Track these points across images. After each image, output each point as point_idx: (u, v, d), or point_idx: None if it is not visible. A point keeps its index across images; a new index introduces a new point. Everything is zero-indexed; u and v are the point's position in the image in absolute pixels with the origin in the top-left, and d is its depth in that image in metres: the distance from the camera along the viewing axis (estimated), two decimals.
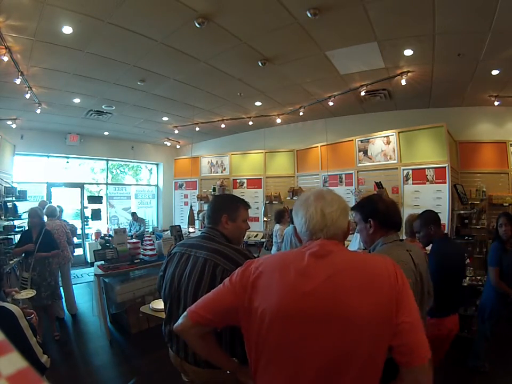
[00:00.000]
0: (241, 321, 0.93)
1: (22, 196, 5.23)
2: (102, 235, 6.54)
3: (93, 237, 7.36)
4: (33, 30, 2.88)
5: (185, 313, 0.99)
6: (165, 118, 6.11)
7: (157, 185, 9.07)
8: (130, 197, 8.62)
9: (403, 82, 3.93)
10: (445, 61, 3.52)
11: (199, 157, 7.31)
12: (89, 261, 6.89)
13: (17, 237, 4.18)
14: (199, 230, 5.62)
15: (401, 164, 4.51)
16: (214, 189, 6.59)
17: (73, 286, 4.41)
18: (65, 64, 3.65)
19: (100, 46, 3.27)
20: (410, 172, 4.43)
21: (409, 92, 4.40)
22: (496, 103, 4.44)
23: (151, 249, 3.95)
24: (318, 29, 2.96)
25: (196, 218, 6.34)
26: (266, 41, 3.21)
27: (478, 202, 4.29)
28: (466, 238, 4.08)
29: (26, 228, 3.87)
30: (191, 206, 6.51)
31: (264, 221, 6.18)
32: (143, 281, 3.71)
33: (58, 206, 4.54)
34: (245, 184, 6.64)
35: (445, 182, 4.06)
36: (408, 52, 3.35)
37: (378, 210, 1.45)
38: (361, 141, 5.01)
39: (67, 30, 2.90)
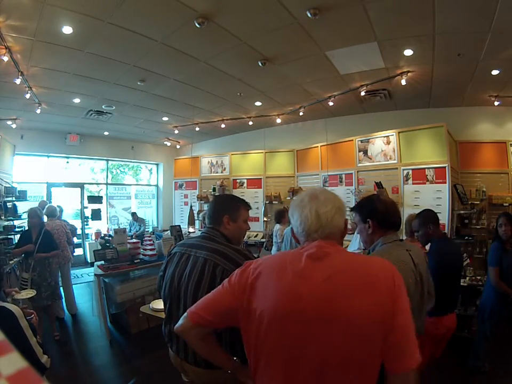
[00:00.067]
0: (240, 322, 0.93)
1: (22, 196, 5.23)
2: (102, 235, 6.54)
3: (93, 237, 7.36)
4: (33, 30, 2.88)
5: (185, 314, 0.99)
6: (165, 118, 6.11)
7: (157, 185, 9.07)
8: (130, 197, 8.62)
9: (403, 82, 3.93)
10: (445, 61, 3.52)
11: (199, 157, 7.31)
12: (89, 261, 6.89)
13: (17, 237, 4.18)
14: (199, 230, 5.62)
15: (401, 164, 4.51)
16: (214, 189, 6.59)
17: (73, 286, 4.41)
18: (65, 64, 3.65)
19: (100, 46, 3.27)
20: (410, 171, 4.43)
21: (409, 91, 4.40)
22: (496, 103, 4.44)
23: (151, 249, 3.95)
24: (318, 29, 2.96)
25: (195, 218, 6.35)
26: (266, 41, 3.21)
27: (478, 202, 4.29)
28: (466, 238, 4.08)
29: (26, 228, 3.87)
30: (191, 206, 6.51)
31: (264, 221, 6.18)
32: (143, 281, 3.71)
33: (58, 206, 4.53)
34: (245, 184, 6.64)
35: (445, 182, 4.06)
36: (408, 52, 3.35)
37: (376, 211, 1.45)
38: (361, 141, 5.01)
39: (67, 30, 2.90)
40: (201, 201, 6.89)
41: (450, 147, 4.20)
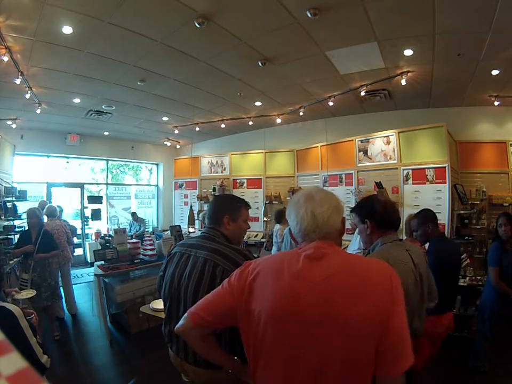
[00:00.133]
0: (239, 323, 0.94)
1: (22, 196, 5.23)
2: (102, 235, 6.54)
3: (93, 237, 7.36)
4: (33, 30, 2.88)
5: (185, 314, 1.00)
6: (165, 118, 6.11)
7: (157, 185, 9.07)
8: (130, 197, 8.62)
9: (403, 82, 3.93)
10: (445, 61, 3.52)
11: (199, 157, 7.31)
12: (89, 261, 6.89)
13: (17, 237, 4.18)
14: (199, 230, 5.62)
15: (401, 164, 4.51)
16: (214, 189, 6.59)
17: (73, 286, 4.41)
18: (65, 64, 3.65)
19: (100, 46, 3.27)
20: (410, 171, 4.43)
21: (409, 91, 4.40)
22: (496, 103, 4.44)
23: (151, 249, 3.95)
24: (318, 29, 2.96)
25: (195, 218, 6.34)
26: (266, 41, 3.21)
27: (478, 202, 4.29)
28: (466, 238, 4.08)
29: (26, 229, 3.86)
30: (191, 206, 6.51)
31: (264, 221, 6.18)
32: (143, 281, 3.71)
33: (58, 206, 4.53)
34: (245, 184, 6.64)
35: (445, 182, 4.06)
36: (408, 52, 3.35)
37: (375, 211, 1.46)
38: (361, 141, 5.01)
39: (67, 30, 2.90)
40: (201, 201, 6.89)
41: (450, 147, 4.20)
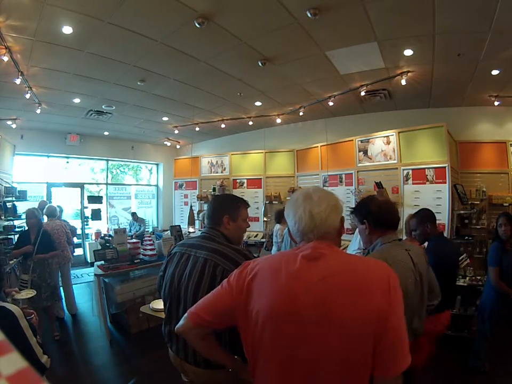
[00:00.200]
0: (238, 322, 0.94)
1: (22, 196, 5.23)
2: (102, 235, 6.54)
3: (93, 237, 7.36)
4: (33, 30, 2.88)
5: (186, 314, 1.00)
6: (165, 118, 6.11)
7: (157, 185, 9.07)
8: (130, 197, 8.62)
9: (403, 82, 3.93)
10: (445, 61, 3.52)
11: (199, 157, 7.31)
12: (89, 261, 6.89)
13: (16, 237, 4.17)
14: (199, 230, 5.62)
15: (401, 164, 4.51)
16: (214, 189, 6.59)
17: (73, 286, 4.41)
18: (65, 64, 3.65)
19: (100, 46, 3.27)
20: (410, 171, 4.43)
21: (409, 91, 4.40)
22: (496, 103, 4.44)
23: (151, 249, 3.95)
24: (318, 29, 2.96)
25: (195, 218, 6.35)
26: (266, 41, 3.21)
27: (478, 202, 4.29)
28: (466, 238, 4.08)
29: (24, 229, 3.85)
30: (191, 206, 6.51)
31: (264, 221, 6.18)
32: (143, 281, 3.71)
33: (58, 206, 4.53)
34: (245, 184, 6.64)
35: (445, 182, 4.06)
36: (408, 52, 3.35)
37: (370, 212, 1.48)
38: (361, 141, 5.01)
39: (67, 30, 2.90)
40: (201, 201, 6.89)
41: (450, 147, 4.20)
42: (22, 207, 5.02)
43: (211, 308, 0.98)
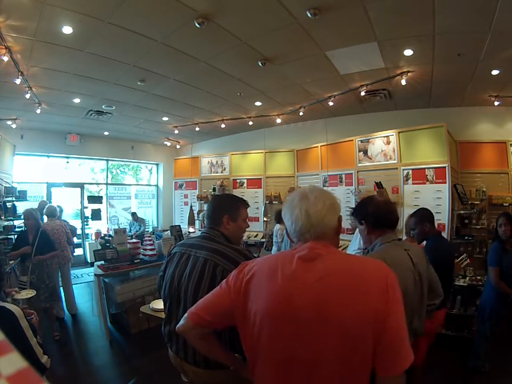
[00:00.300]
0: (237, 323, 0.95)
1: (22, 196, 5.23)
2: (102, 235, 6.54)
3: (93, 237, 7.36)
4: (33, 30, 2.88)
5: (186, 314, 1.01)
6: (165, 118, 6.11)
7: (157, 185, 9.07)
8: (130, 197, 8.62)
9: (403, 82, 3.92)
10: (445, 61, 3.52)
11: (199, 157, 7.31)
12: (89, 261, 6.89)
13: (15, 238, 4.16)
14: (199, 230, 5.62)
15: (401, 163, 4.51)
16: (214, 189, 6.59)
17: (73, 286, 4.41)
18: (65, 64, 3.65)
19: (100, 46, 3.27)
20: (410, 171, 4.42)
21: (409, 91, 4.39)
22: (496, 103, 4.44)
23: (151, 249, 3.95)
24: (318, 29, 2.95)
25: (196, 218, 6.34)
26: (266, 41, 3.21)
27: (478, 202, 4.28)
28: (466, 238, 4.08)
29: (23, 229, 3.83)
30: (191, 206, 6.50)
31: (264, 221, 6.18)
32: (143, 281, 3.71)
33: (58, 206, 4.53)
34: (245, 184, 6.64)
35: (445, 182, 4.05)
36: (408, 52, 3.35)
37: (367, 212, 1.49)
38: (361, 141, 5.01)
39: (67, 30, 2.90)
40: (201, 201, 6.89)
41: (450, 147, 4.19)
42: (22, 207, 5.01)
43: (210, 308, 0.98)
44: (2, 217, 4.53)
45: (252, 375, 0.95)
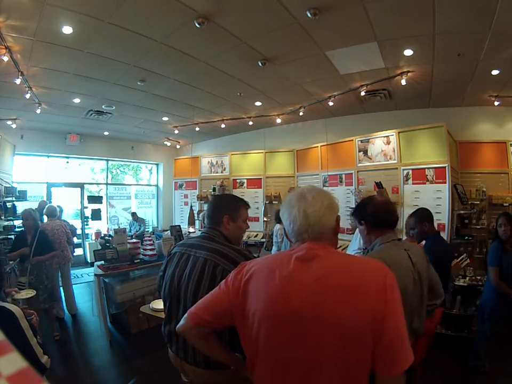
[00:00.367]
0: (236, 323, 0.95)
1: (22, 196, 5.23)
2: (102, 235, 6.54)
3: (93, 237, 7.36)
4: (33, 30, 2.88)
5: (186, 315, 1.01)
6: (165, 118, 6.11)
7: (157, 185, 9.07)
8: (130, 197, 8.62)
9: (403, 82, 3.92)
10: (445, 61, 3.52)
11: (199, 157, 7.31)
12: (89, 261, 6.89)
13: (13, 239, 4.15)
14: (199, 230, 5.62)
15: (401, 164, 4.51)
16: (214, 189, 6.59)
17: (73, 286, 4.41)
18: (65, 64, 3.65)
19: (100, 46, 3.27)
20: (410, 171, 4.42)
21: (409, 91, 4.39)
22: (496, 103, 4.44)
23: (151, 249, 3.95)
24: (318, 29, 2.95)
25: (196, 218, 6.34)
26: (266, 41, 3.21)
27: (478, 202, 4.28)
28: (466, 238, 4.08)
29: (22, 230, 3.82)
30: (191, 206, 6.50)
31: (264, 221, 6.18)
32: (143, 281, 3.71)
33: (58, 206, 4.53)
34: (245, 184, 6.64)
35: (445, 182, 4.05)
36: (408, 52, 3.35)
37: (367, 213, 1.50)
38: (361, 141, 5.01)
39: (67, 30, 2.90)
40: (201, 201, 6.89)
41: (450, 147, 4.19)
42: (22, 207, 5.01)
43: (210, 308, 0.98)
44: (2, 217, 4.53)
45: (251, 375, 0.96)
